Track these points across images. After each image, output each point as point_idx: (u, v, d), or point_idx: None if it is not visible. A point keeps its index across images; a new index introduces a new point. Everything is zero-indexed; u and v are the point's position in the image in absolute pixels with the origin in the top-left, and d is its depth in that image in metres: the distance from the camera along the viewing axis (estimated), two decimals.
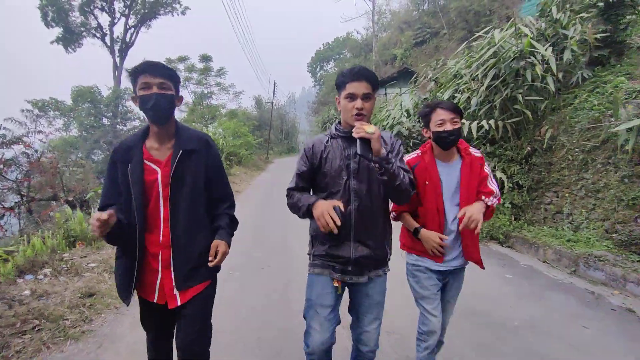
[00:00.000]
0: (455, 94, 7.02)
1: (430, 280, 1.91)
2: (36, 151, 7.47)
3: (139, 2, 28.63)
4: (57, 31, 28.20)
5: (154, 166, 1.53)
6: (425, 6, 23.58)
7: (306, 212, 1.56)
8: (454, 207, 1.86)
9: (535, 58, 5.17)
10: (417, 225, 1.89)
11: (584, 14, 5.90)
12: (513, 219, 5.71)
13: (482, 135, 6.12)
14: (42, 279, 3.38)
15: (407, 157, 1.94)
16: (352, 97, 1.55)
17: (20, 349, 2.38)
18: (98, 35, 29.60)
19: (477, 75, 5.88)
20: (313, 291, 1.69)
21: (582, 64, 6.90)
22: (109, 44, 29.47)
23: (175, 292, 1.53)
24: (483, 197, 1.83)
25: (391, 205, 1.90)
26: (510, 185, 5.81)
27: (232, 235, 1.65)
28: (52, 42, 28.37)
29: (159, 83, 1.46)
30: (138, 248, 1.49)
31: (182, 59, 24.86)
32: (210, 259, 1.50)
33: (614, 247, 4.32)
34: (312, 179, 1.69)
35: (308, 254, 1.76)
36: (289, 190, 1.70)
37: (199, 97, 26.94)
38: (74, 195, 6.81)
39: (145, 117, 1.54)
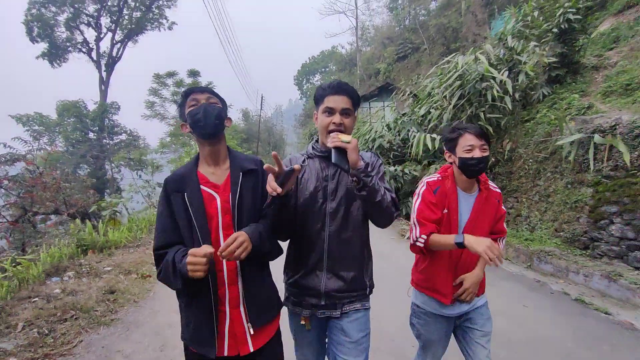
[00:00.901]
0: (431, 110, 7.86)
1: (437, 325, 1.81)
2: (37, 167, 7.94)
3: (126, 18, 29.25)
4: (42, 46, 28.49)
5: (211, 192, 1.44)
6: (407, 22, 24.82)
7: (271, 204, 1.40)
8: None
9: (495, 81, 6.01)
10: (454, 235, 1.61)
11: (535, 43, 6.81)
12: None
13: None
14: (67, 280, 3.94)
15: (426, 178, 1.83)
16: (330, 111, 1.48)
17: (65, 332, 2.95)
18: (84, 50, 29.95)
19: (445, 94, 6.71)
20: (292, 327, 1.66)
21: (542, 82, 7.87)
22: (95, 58, 29.85)
23: (248, 334, 1.41)
24: (499, 240, 1.81)
25: (416, 230, 1.68)
26: None
27: (261, 236, 1.40)
28: (37, 57, 28.61)
29: (207, 97, 1.47)
30: (211, 285, 1.37)
31: (171, 74, 25.44)
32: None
33: (561, 244, 5.11)
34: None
35: (283, 282, 1.66)
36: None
37: None
38: (75, 209, 7.31)
39: (193, 133, 1.49)
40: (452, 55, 7.17)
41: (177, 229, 1.41)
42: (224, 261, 1.37)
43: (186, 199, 1.40)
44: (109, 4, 29.04)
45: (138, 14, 29.27)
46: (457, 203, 1.73)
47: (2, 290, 3.48)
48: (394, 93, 11.23)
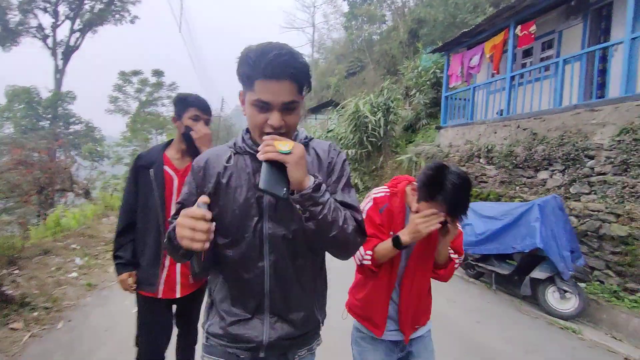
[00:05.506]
0: (341, 131, 12.25)
1: (376, 354, 1.64)
2: (49, 155, 11.46)
3: (87, 7, 31.13)
4: None
5: (172, 173, 1.88)
6: (358, 41, 29.49)
7: (171, 244, 1.04)
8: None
9: (371, 119, 10.45)
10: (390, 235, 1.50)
11: (417, 89, 11.44)
12: None
13: (351, 158, 11.33)
14: None
15: (373, 193, 1.66)
16: (263, 106, 1.00)
17: None
18: (39, 35, 31.30)
19: (346, 123, 11.11)
20: None
21: (423, 115, 12.51)
22: (50, 45, 31.29)
23: (178, 284, 1.89)
24: (450, 253, 1.60)
25: (361, 249, 1.49)
26: (364, 187, 11.02)
27: None
28: None
29: (206, 119, 1.92)
30: (162, 251, 1.85)
31: (136, 73, 28.09)
32: None
33: None
34: None
35: (202, 326, 1.26)
36: (168, 232, 1.09)
37: (142, 104, 29.41)
38: (82, 188, 10.83)
39: (182, 135, 1.89)
40: (353, 97, 11.63)
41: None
42: None
43: (151, 175, 1.84)
44: None
45: (101, 5, 31.19)
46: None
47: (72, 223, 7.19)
48: (329, 110, 15.53)
